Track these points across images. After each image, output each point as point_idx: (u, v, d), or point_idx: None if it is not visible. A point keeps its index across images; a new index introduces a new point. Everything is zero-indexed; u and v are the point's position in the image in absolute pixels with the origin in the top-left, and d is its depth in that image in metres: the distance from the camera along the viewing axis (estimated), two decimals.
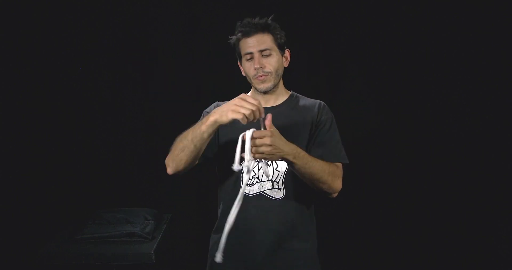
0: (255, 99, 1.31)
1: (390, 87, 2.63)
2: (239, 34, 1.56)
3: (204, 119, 1.40)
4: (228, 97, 1.74)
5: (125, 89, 2.68)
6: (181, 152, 1.46)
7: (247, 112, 1.28)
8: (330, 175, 1.48)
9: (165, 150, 2.64)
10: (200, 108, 1.74)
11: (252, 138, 1.30)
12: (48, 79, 2.54)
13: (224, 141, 1.61)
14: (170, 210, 2.48)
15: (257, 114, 1.31)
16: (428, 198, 2.64)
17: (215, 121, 1.35)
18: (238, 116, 1.28)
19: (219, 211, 1.66)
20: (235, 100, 1.32)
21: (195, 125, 1.43)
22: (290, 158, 1.38)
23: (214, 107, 1.68)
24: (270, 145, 1.31)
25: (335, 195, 1.55)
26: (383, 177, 2.64)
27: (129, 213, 2.25)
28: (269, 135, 1.31)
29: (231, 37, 1.60)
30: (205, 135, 1.40)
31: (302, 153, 1.42)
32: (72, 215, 2.41)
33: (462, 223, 2.60)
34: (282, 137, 1.37)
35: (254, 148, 1.30)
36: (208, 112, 1.67)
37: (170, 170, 1.53)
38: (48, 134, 2.54)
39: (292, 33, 2.60)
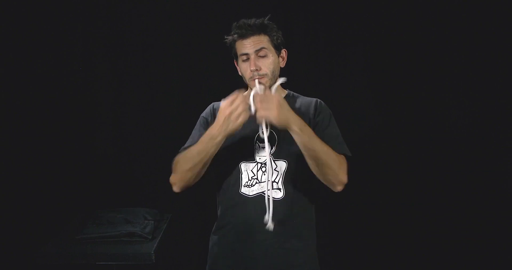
0: (234, 97, 1.40)
1: (389, 86, 2.63)
2: (235, 35, 1.56)
3: (209, 140, 1.45)
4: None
5: (125, 89, 2.68)
6: (190, 172, 1.51)
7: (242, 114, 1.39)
8: (336, 161, 1.46)
9: (165, 150, 2.62)
10: (200, 109, 1.73)
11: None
12: (48, 79, 2.54)
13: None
14: (170, 210, 2.48)
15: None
16: (427, 197, 2.64)
17: (223, 137, 1.43)
18: (245, 118, 1.39)
19: (218, 212, 1.66)
20: (226, 109, 1.41)
21: (203, 139, 1.48)
22: (296, 128, 1.39)
23: (210, 110, 1.69)
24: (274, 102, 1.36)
25: (340, 188, 1.50)
26: (382, 175, 2.64)
27: (129, 213, 2.25)
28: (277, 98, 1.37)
29: (227, 37, 1.60)
30: (213, 152, 1.47)
31: (308, 128, 1.43)
32: (72, 215, 2.41)
33: (462, 222, 2.60)
34: (291, 109, 1.41)
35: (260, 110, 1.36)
36: (204, 117, 1.68)
37: (177, 189, 1.58)
38: (48, 134, 2.54)
39: (292, 32, 2.63)
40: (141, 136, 2.70)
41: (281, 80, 1.52)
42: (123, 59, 2.66)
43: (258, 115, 1.38)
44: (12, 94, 2.41)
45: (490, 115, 2.57)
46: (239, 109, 1.39)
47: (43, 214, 2.43)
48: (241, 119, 1.39)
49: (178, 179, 1.55)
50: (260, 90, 1.41)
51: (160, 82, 2.68)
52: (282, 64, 1.63)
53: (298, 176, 1.56)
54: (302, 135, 1.40)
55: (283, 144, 1.56)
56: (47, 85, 2.54)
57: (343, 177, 1.48)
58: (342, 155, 1.53)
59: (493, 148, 2.58)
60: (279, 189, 1.56)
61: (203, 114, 1.70)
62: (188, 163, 1.50)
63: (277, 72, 1.60)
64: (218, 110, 1.66)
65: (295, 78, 2.56)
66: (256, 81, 1.54)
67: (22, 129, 2.44)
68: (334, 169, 1.46)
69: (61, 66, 2.57)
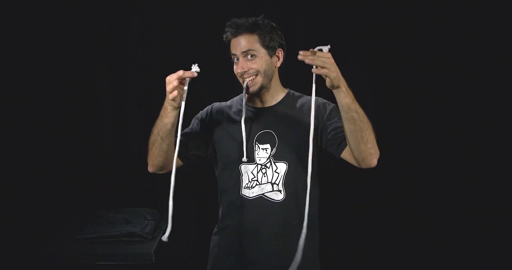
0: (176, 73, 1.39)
1: (389, 86, 2.63)
2: (228, 34, 1.56)
3: (162, 112, 1.45)
4: (228, 97, 1.75)
5: (125, 89, 2.68)
6: (153, 147, 1.51)
7: (169, 90, 1.38)
8: (372, 130, 1.40)
9: None
10: (200, 109, 1.73)
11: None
12: (48, 79, 2.54)
13: (219, 145, 1.61)
14: None
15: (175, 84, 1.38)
16: (428, 197, 2.64)
17: (172, 109, 1.41)
18: (172, 96, 1.37)
19: (220, 213, 1.67)
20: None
21: (157, 120, 1.47)
22: (344, 87, 1.31)
23: (208, 109, 1.69)
24: (333, 61, 1.27)
25: (376, 161, 1.43)
26: (383, 176, 2.63)
27: (129, 213, 2.25)
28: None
29: (224, 36, 1.59)
30: (169, 126, 1.44)
31: (350, 90, 1.35)
32: (72, 215, 2.41)
33: (462, 222, 2.60)
34: None
35: (322, 62, 1.25)
36: (200, 114, 1.69)
37: (149, 168, 1.59)
38: (48, 134, 2.54)
39: (292, 31, 2.63)
40: (141, 136, 2.68)
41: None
42: (123, 59, 2.66)
43: (318, 71, 1.28)
44: (12, 94, 2.41)
45: (490, 115, 2.57)
46: (173, 83, 1.39)
47: (43, 214, 2.43)
48: (171, 95, 1.38)
49: (148, 156, 1.56)
50: (325, 49, 1.29)
51: (160, 82, 2.65)
52: (278, 63, 1.60)
53: (299, 178, 1.54)
54: (348, 95, 1.33)
55: (283, 146, 1.56)
56: (47, 85, 2.54)
57: (378, 150, 1.43)
58: None
59: (493, 148, 2.58)
60: (279, 191, 1.55)
61: (201, 111, 1.70)
62: (151, 138, 1.51)
63: (271, 72, 1.58)
64: (216, 110, 1.67)
65: (295, 78, 2.57)
66: (245, 83, 1.53)
67: (22, 129, 2.44)
68: (373, 136, 1.40)
69: (61, 66, 2.57)
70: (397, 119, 2.64)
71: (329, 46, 1.29)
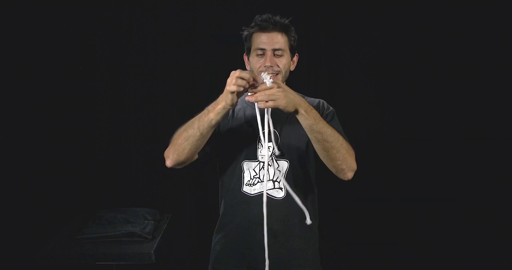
0: (242, 71, 1.32)
1: (390, 86, 2.63)
2: (256, 27, 1.55)
3: (210, 107, 1.41)
4: None
5: (125, 89, 2.68)
6: (185, 141, 1.45)
7: (235, 86, 1.31)
8: (344, 145, 1.41)
9: (165, 150, 2.61)
10: (200, 109, 1.73)
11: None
12: (48, 79, 2.54)
13: (224, 141, 1.61)
14: (170, 210, 2.48)
15: (245, 81, 1.32)
16: (430, 198, 2.64)
17: (224, 107, 1.37)
18: (233, 89, 1.31)
19: (221, 209, 1.67)
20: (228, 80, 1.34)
21: (201, 114, 1.44)
22: (303, 110, 1.34)
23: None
24: (279, 90, 1.31)
25: (350, 174, 1.46)
26: (384, 176, 2.64)
27: (129, 213, 2.25)
28: (276, 85, 1.32)
29: (245, 28, 1.58)
30: (213, 122, 1.41)
31: (314, 111, 1.37)
32: (72, 215, 2.41)
33: (462, 223, 2.60)
34: (295, 93, 1.37)
35: (267, 96, 1.29)
36: (209, 109, 1.67)
37: (169, 162, 1.51)
38: (48, 134, 2.54)
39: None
40: (141, 136, 2.70)
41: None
42: (123, 59, 2.66)
43: (264, 106, 1.31)
44: (12, 94, 2.41)
45: (490, 115, 2.57)
46: (232, 82, 1.33)
47: (43, 214, 2.43)
48: (229, 91, 1.34)
49: (172, 150, 1.49)
50: (269, 82, 1.33)
51: (160, 82, 2.67)
52: (292, 67, 1.63)
53: (300, 176, 1.56)
54: (308, 117, 1.35)
55: (285, 144, 1.56)
56: (47, 85, 2.54)
57: (353, 163, 1.45)
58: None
59: (493, 148, 2.58)
60: (281, 188, 1.56)
61: (208, 107, 1.69)
62: (188, 132, 1.45)
63: (288, 74, 1.61)
64: None
65: (296, 78, 2.57)
66: (268, 75, 1.46)
67: (22, 129, 2.44)
68: (343, 153, 1.41)
69: (61, 66, 2.57)
70: (397, 120, 2.64)
71: (270, 80, 1.32)
